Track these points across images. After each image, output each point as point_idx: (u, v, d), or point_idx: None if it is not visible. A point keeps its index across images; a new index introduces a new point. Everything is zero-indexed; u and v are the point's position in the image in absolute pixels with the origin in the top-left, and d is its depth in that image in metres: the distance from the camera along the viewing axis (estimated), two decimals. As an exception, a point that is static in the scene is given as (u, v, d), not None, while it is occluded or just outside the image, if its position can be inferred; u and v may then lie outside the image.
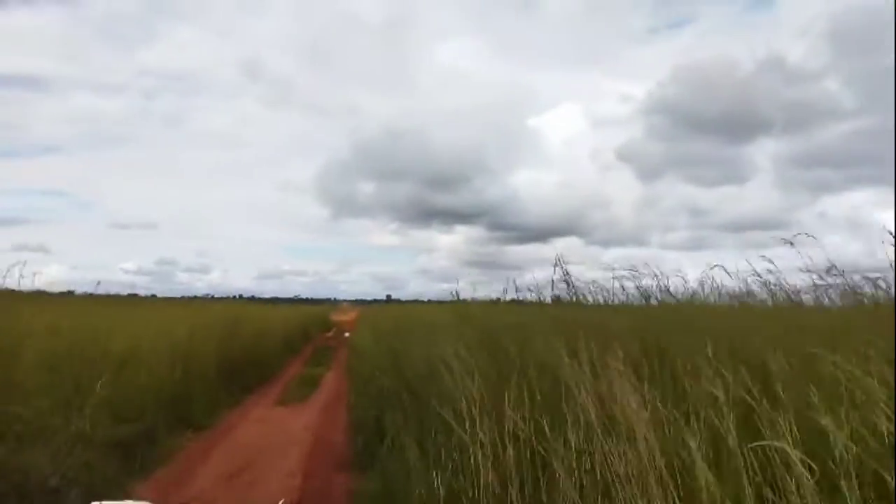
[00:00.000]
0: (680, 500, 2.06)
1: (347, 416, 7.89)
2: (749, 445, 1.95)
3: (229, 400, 8.93)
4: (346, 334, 23.95)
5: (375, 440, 5.34)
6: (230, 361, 10.14)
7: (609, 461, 2.25)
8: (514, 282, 4.85)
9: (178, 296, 21.55)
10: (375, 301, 43.43)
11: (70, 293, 10.43)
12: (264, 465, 5.69)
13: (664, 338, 3.15)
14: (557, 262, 4.03)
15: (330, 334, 26.15)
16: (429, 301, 12.85)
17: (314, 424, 7.77)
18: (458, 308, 6.89)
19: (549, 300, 4.69)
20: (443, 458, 3.22)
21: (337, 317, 42.94)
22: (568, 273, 4.09)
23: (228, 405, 8.66)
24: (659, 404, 2.39)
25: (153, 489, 4.73)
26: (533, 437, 2.71)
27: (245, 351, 11.42)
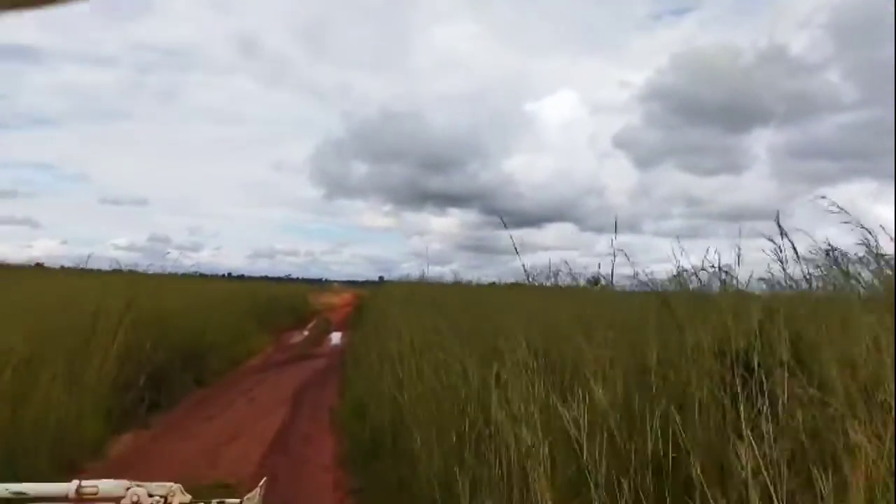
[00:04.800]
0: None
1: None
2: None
3: None
4: (334, 337, 16.67)
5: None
6: None
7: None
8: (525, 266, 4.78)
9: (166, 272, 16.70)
10: (368, 282, 41.08)
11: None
12: None
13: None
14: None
15: (299, 338, 17.02)
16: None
17: None
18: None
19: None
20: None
21: (325, 299, 36.27)
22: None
23: None
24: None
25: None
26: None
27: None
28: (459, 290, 12.44)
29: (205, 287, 17.92)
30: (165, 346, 7.77)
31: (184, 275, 22.78)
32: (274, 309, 19.85)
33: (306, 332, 17.93)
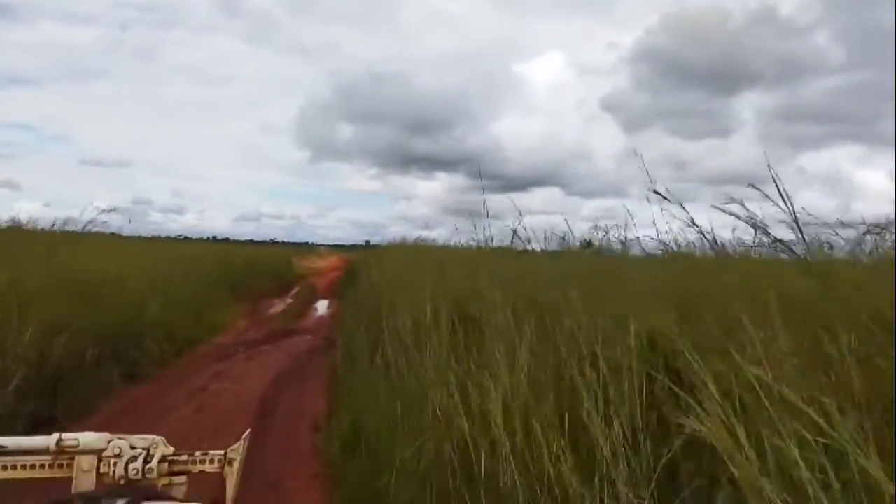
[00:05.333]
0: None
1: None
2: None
3: None
4: (320, 306, 14.61)
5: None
6: None
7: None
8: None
9: (150, 235, 16.81)
10: (355, 246, 41.23)
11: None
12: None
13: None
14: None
15: (279, 307, 14.22)
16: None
17: None
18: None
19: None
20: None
21: (310, 263, 34.00)
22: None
23: None
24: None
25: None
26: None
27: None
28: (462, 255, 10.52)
29: (160, 250, 15.57)
30: (79, 329, 5.50)
31: (166, 238, 20.49)
32: (252, 274, 17.49)
33: (289, 300, 15.62)
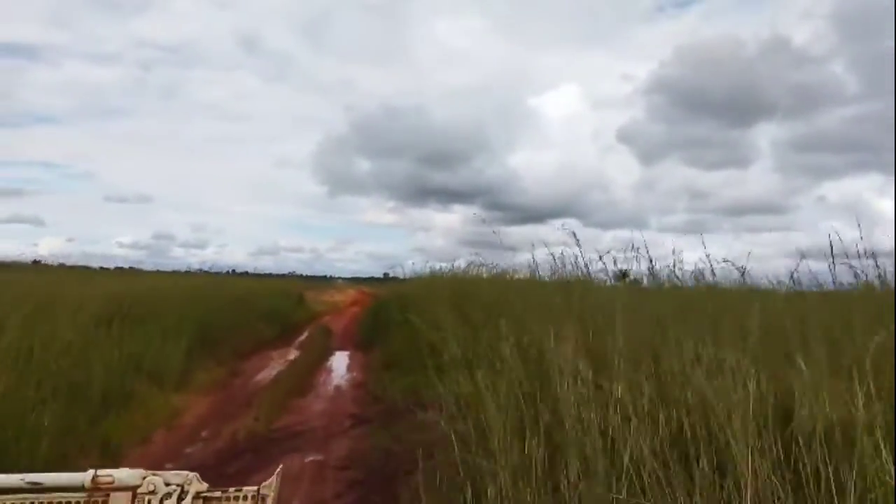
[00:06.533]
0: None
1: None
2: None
3: None
4: (336, 362, 9.76)
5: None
6: None
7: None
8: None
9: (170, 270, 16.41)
10: (373, 279, 42.27)
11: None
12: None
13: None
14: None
15: (275, 367, 9.40)
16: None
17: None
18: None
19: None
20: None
21: (327, 297, 29.60)
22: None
23: None
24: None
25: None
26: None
27: None
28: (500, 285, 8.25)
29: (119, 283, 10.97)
30: None
31: (186, 271, 17.21)
32: (246, 315, 12.71)
33: (293, 354, 10.81)
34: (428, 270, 13.24)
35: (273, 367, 9.45)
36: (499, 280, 11.21)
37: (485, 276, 12.25)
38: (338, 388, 7.77)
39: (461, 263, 12.22)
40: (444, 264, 12.69)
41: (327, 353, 11.20)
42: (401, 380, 8.05)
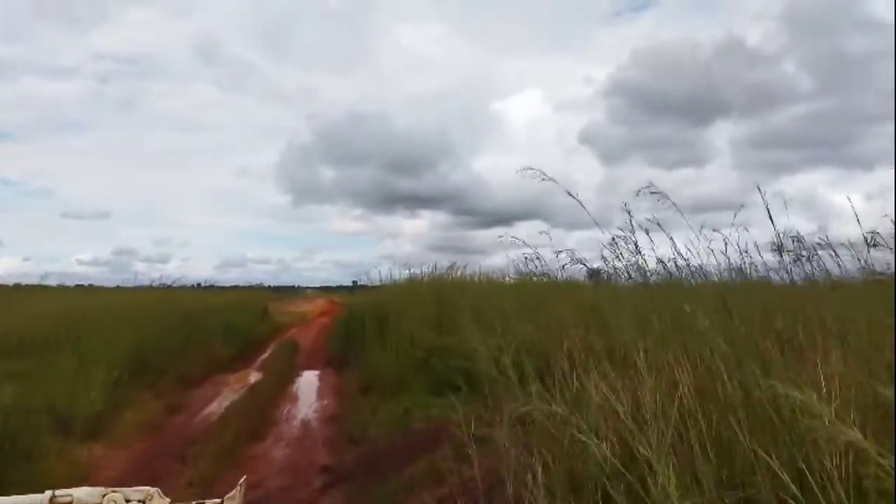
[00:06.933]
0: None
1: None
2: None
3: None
4: (304, 384, 8.09)
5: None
6: None
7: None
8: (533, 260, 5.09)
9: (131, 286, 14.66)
10: (341, 287, 40.64)
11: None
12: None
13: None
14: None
15: (225, 398, 7.64)
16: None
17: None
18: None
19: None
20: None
21: (294, 307, 27.96)
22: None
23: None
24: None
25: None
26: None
27: None
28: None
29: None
30: None
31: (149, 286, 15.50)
32: (192, 335, 10.91)
33: (252, 377, 9.18)
34: (403, 276, 11.83)
35: (226, 395, 7.82)
36: (494, 284, 9.84)
37: (471, 279, 10.91)
38: (305, 424, 6.20)
39: (438, 267, 10.94)
40: (422, 268, 11.28)
41: (293, 373, 9.59)
42: (385, 407, 6.55)
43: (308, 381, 8.96)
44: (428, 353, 8.13)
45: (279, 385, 8.30)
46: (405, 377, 7.61)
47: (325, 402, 7.27)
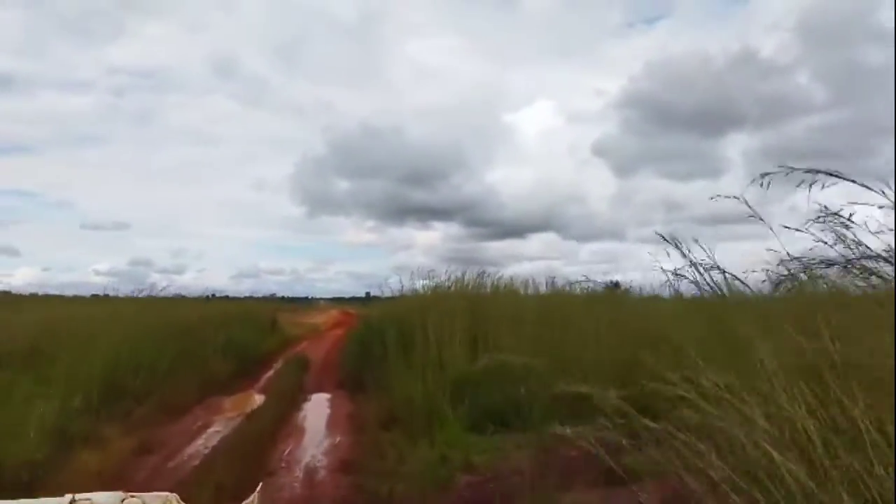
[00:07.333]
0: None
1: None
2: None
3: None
4: (311, 413, 6.42)
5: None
6: None
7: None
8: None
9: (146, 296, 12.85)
10: (354, 298, 39.57)
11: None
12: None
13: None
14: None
15: (215, 433, 6.12)
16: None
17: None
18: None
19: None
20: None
21: (306, 318, 26.74)
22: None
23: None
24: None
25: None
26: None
27: None
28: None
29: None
30: None
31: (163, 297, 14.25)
32: (187, 351, 9.48)
33: (255, 399, 7.76)
34: (426, 285, 10.37)
35: (217, 426, 6.40)
36: (555, 297, 8.39)
37: (508, 289, 9.45)
38: (310, 474, 4.73)
39: (467, 275, 9.54)
40: (449, 276, 9.85)
41: (300, 397, 8.15)
42: (414, 449, 5.08)
43: (317, 408, 7.52)
44: (464, 377, 6.70)
45: (282, 414, 6.86)
46: (438, 407, 6.16)
47: (338, 438, 5.82)
